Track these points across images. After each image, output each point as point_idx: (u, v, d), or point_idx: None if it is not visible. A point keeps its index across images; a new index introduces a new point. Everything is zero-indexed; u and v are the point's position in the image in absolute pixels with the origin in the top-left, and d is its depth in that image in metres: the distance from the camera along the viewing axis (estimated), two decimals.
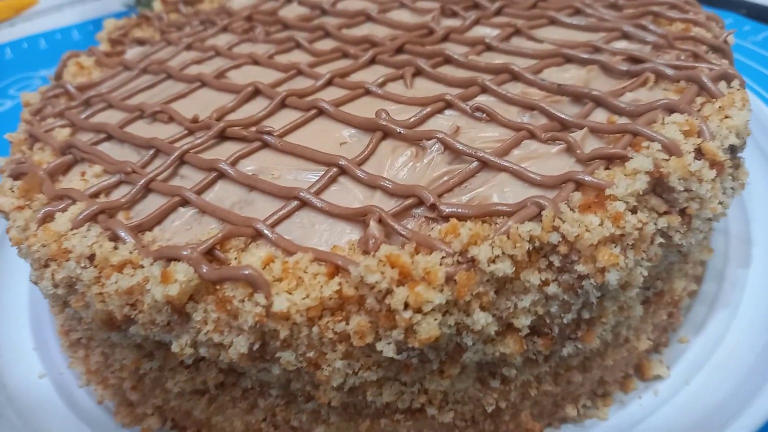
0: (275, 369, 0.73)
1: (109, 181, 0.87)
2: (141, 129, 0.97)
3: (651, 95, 0.87)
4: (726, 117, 0.81)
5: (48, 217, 0.81)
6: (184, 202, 0.81)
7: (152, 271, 0.71)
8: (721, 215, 0.82)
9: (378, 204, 0.75)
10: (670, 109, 0.82)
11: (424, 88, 0.95)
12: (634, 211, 0.71)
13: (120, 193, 0.85)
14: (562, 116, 0.83)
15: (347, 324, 0.67)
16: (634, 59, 0.93)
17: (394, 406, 0.81)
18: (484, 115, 0.86)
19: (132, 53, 1.24)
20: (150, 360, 0.83)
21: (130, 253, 0.74)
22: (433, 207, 0.73)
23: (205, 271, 0.69)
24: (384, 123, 0.85)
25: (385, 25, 1.14)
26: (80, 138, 0.97)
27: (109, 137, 0.97)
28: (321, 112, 0.91)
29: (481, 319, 0.68)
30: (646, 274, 0.73)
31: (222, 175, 0.83)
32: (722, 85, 0.86)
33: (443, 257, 0.67)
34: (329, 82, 0.98)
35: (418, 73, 0.98)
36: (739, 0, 1.85)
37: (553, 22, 1.07)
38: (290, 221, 0.76)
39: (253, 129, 0.90)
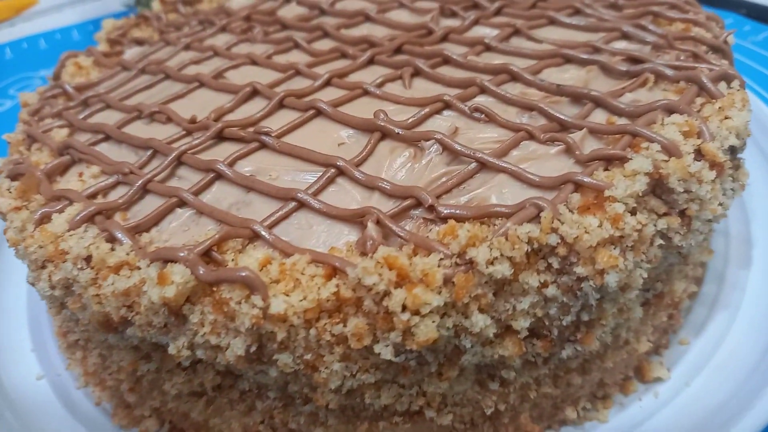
0: (272, 371, 0.72)
1: (106, 182, 0.86)
2: (139, 129, 0.97)
3: (650, 96, 0.86)
4: (726, 118, 0.80)
5: (45, 218, 0.81)
6: (182, 203, 0.80)
7: (149, 272, 0.70)
8: (721, 216, 0.81)
9: (376, 205, 0.74)
10: (670, 110, 0.81)
11: (422, 88, 0.95)
12: (633, 212, 0.71)
13: (117, 194, 0.85)
14: (561, 117, 0.83)
15: (345, 326, 0.67)
16: (634, 59, 0.92)
17: (392, 409, 0.80)
18: (483, 115, 0.86)
19: (130, 53, 1.24)
20: (147, 362, 0.83)
21: (127, 254, 0.74)
22: (431, 208, 0.72)
23: (201, 272, 0.69)
24: (382, 124, 0.85)
25: (384, 25, 1.14)
26: (78, 138, 0.97)
27: (107, 138, 0.96)
28: (319, 113, 0.91)
29: (479, 321, 0.68)
30: (645, 275, 0.73)
31: (219, 176, 0.83)
32: (722, 85, 0.85)
33: (441, 259, 0.67)
34: (327, 83, 0.98)
35: (417, 73, 0.97)
36: (739, 0, 1.85)
37: (552, 22, 1.06)
38: (288, 222, 0.76)
39: (251, 129, 0.89)
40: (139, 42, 1.28)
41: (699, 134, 0.77)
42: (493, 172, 0.77)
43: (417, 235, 0.69)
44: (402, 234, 0.69)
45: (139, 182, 0.84)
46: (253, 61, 1.08)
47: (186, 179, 0.85)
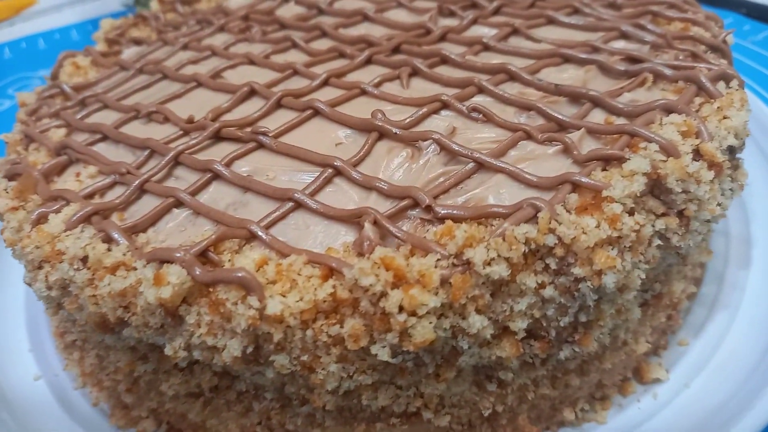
0: (269, 372, 0.72)
1: (103, 182, 0.86)
2: (136, 129, 0.96)
3: (649, 95, 0.86)
4: (725, 117, 0.80)
5: (42, 219, 0.81)
6: (179, 204, 0.80)
7: (145, 273, 0.70)
8: (719, 217, 0.81)
9: (373, 205, 0.74)
10: (668, 110, 0.81)
11: (420, 88, 0.94)
12: (631, 212, 0.70)
13: (114, 194, 0.84)
14: (560, 117, 0.83)
15: (341, 327, 0.67)
16: (633, 59, 0.92)
17: (389, 410, 0.80)
18: (481, 115, 0.85)
19: (128, 53, 1.24)
20: (144, 362, 0.83)
21: (124, 255, 0.73)
22: (428, 208, 0.72)
23: (198, 273, 0.68)
24: (380, 123, 0.84)
25: (382, 24, 1.13)
26: (75, 138, 0.97)
27: (105, 138, 0.96)
28: (317, 113, 0.91)
29: (476, 322, 0.67)
30: (643, 276, 0.73)
31: (216, 176, 0.83)
32: (721, 85, 0.85)
33: (438, 260, 0.66)
34: (325, 82, 0.98)
35: (415, 73, 0.97)
36: None
37: (551, 21, 1.06)
38: (285, 223, 0.76)
39: (248, 129, 0.89)
40: (138, 42, 1.27)
41: (697, 134, 0.77)
42: (491, 173, 0.77)
43: (414, 236, 0.69)
44: (399, 234, 0.69)
45: (136, 182, 0.83)
46: (251, 61, 1.08)
47: (183, 179, 0.85)
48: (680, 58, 0.91)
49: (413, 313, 0.64)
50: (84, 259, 0.74)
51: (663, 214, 0.73)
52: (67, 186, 0.88)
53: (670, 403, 0.91)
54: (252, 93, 0.98)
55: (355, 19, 1.16)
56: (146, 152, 0.90)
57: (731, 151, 0.80)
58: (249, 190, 0.80)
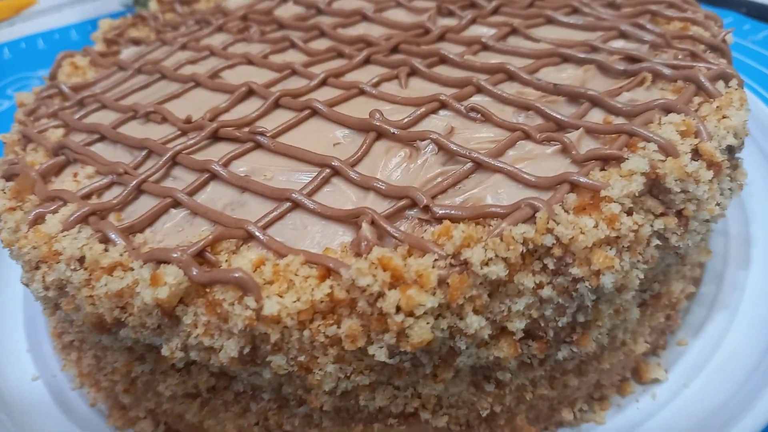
0: (266, 373, 0.72)
1: (101, 182, 0.86)
2: (134, 129, 0.96)
3: (648, 95, 0.86)
4: (724, 117, 0.80)
5: (39, 219, 0.81)
6: (176, 204, 0.80)
7: (142, 273, 0.70)
8: (718, 217, 0.81)
9: (371, 205, 0.74)
10: (667, 109, 0.81)
11: (418, 88, 0.94)
12: (629, 212, 0.70)
13: (112, 195, 0.84)
14: (558, 116, 0.82)
15: (339, 327, 0.67)
16: (632, 59, 0.92)
17: (387, 411, 0.80)
18: (479, 115, 0.85)
19: (127, 53, 1.24)
20: (141, 363, 0.83)
21: (120, 255, 0.73)
22: (426, 208, 0.72)
23: (194, 273, 0.68)
24: (378, 123, 0.84)
25: (381, 24, 1.13)
26: (73, 139, 0.96)
27: (102, 138, 0.96)
28: (315, 113, 0.91)
29: (474, 322, 0.67)
30: (642, 276, 0.72)
31: (214, 176, 0.83)
32: (720, 84, 0.85)
33: (436, 260, 0.66)
34: (323, 82, 0.97)
35: (413, 73, 0.97)
36: None
37: (550, 21, 1.06)
38: (282, 223, 0.75)
39: (246, 129, 0.89)
40: (136, 42, 1.27)
41: (696, 134, 0.77)
42: (489, 172, 0.76)
43: (412, 236, 0.69)
44: (397, 235, 0.69)
45: (134, 182, 0.83)
46: (250, 61, 1.08)
47: (181, 179, 0.84)
48: (679, 57, 0.91)
49: (410, 314, 0.64)
50: (81, 260, 0.74)
51: (662, 214, 0.73)
52: (64, 186, 0.87)
53: (669, 404, 0.90)
54: (250, 93, 0.98)
55: (353, 18, 1.16)
56: (144, 152, 0.89)
57: (730, 150, 0.80)
58: (246, 190, 0.80)
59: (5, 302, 1.16)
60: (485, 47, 1.01)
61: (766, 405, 0.83)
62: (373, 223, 0.70)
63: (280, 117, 0.91)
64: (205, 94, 1.01)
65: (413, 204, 0.73)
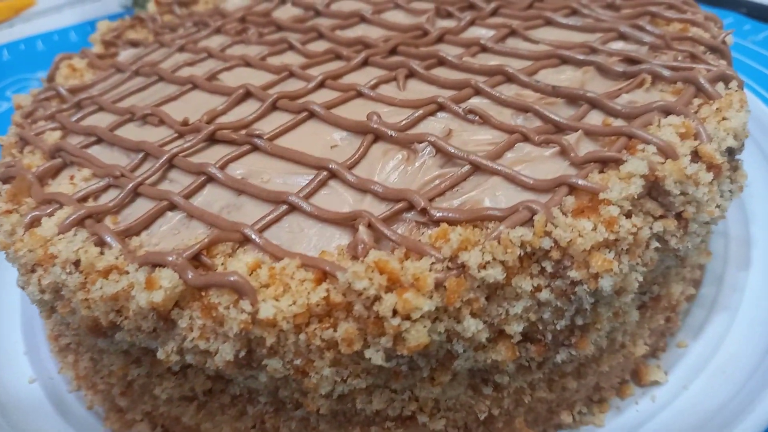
0: (262, 376, 0.72)
1: (97, 185, 0.86)
2: (131, 132, 0.96)
3: (647, 97, 0.85)
4: (723, 119, 0.79)
5: (35, 222, 0.80)
6: (172, 207, 0.80)
7: (137, 277, 0.69)
8: (718, 219, 0.80)
9: (368, 208, 0.73)
10: (667, 111, 0.80)
11: (416, 90, 0.94)
12: (628, 215, 0.70)
13: (108, 197, 0.84)
14: (557, 118, 0.82)
15: (335, 331, 0.66)
16: (631, 60, 0.91)
17: (384, 414, 0.79)
18: (477, 117, 0.85)
19: (125, 55, 1.24)
20: (138, 366, 0.82)
21: (116, 258, 0.73)
22: (423, 211, 0.72)
23: (190, 277, 0.68)
24: (375, 126, 0.84)
25: (379, 26, 1.13)
26: (70, 141, 0.96)
27: (99, 140, 0.96)
28: (312, 115, 0.90)
29: (471, 326, 0.67)
30: (641, 279, 0.72)
31: (211, 179, 0.82)
32: (720, 86, 0.84)
33: (433, 263, 0.66)
34: (321, 84, 0.97)
35: (411, 74, 0.97)
36: None
37: (549, 22, 1.05)
38: (279, 226, 0.75)
39: (243, 132, 0.89)
40: (134, 44, 1.27)
41: (696, 136, 0.76)
42: (487, 175, 0.76)
43: (409, 239, 0.69)
44: (393, 238, 0.69)
45: (130, 185, 0.83)
46: (247, 63, 1.07)
47: (177, 182, 0.84)
48: (679, 59, 0.90)
49: (407, 317, 0.64)
50: (76, 263, 0.73)
51: (661, 217, 0.73)
52: (61, 189, 0.87)
53: (668, 406, 0.90)
54: (247, 95, 0.97)
55: (351, 20, 1.16)
56: (140, 155, 0.89)
57: (730, 152, 0.80)
58: (243, 193, 0.80)
59: (2, 305, 1.16)
60: (484, 49, 1.00)
61: (766, 407, 0.82)
62: (370, 226, 0.70)
63: (278, 119, 0.91)
64: (203, 96, 1.01)
65: (410, 207, 0.73)
